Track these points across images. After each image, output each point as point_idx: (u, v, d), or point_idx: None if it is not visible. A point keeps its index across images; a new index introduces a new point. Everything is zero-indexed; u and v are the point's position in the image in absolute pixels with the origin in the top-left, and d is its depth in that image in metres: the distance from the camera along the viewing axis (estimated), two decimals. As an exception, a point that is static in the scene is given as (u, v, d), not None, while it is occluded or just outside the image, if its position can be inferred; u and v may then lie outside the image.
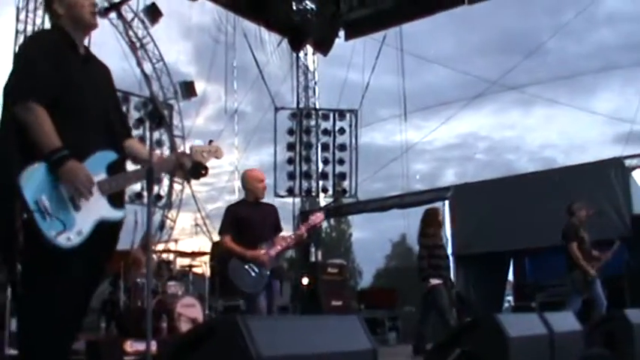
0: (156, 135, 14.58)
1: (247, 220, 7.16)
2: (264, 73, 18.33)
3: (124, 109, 15.03)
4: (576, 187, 13.44)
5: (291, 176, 18.03)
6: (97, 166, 3.62)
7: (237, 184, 19.13)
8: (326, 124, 18.34)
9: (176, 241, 13.59)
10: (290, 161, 18.08)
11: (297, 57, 19.97)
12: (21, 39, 13.67)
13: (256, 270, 6.96)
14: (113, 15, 3.91)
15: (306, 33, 19.01)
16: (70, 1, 3.75)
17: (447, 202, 17.02)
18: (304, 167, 18.18)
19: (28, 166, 3.38)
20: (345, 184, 18.27)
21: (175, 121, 16.78)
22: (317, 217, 7.62)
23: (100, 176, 3.62)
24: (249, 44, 17.98)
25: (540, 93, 18.00)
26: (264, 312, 6.97)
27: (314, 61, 20.56)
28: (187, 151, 4.06)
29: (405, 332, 15.50)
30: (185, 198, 16.65)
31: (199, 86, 17.68)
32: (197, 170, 4.07)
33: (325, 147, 18.24)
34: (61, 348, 3.59)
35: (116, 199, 3.71)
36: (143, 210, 11.22)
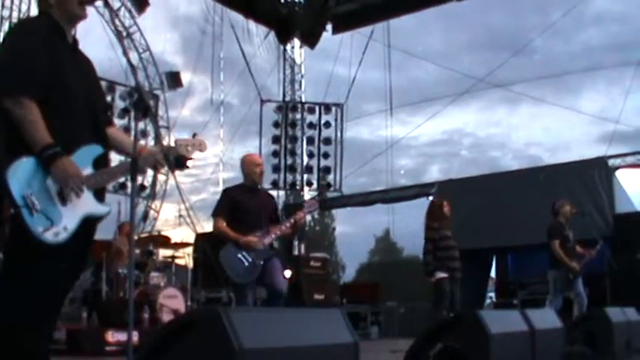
0: (141, 125, 14.58)
1: (243, 205, 7.01)
2: (250, 66, 18.34)
3: (110, 98, 15.01)
4: (560, 186, 13.52)
5: (275, 169, 18.05)
6: (83, 160, 3.59)
7: (222, 175, 19.23)
8: (312, 118, 18.37)
9: (159, 232, 13.55)
10: (275, 154, 18.09)
11: (284, 50, 19.96)
12: (6, 25, 13.59)
13: (249, 259, 6.77)
14: (100, 3, 3.87)
15: (294, 26, 18.99)
16: None
17: (431, 198, 17.07)
18: (289, 160, 18.19)
19: (15, 161, 3.35)
20: (330, 177, 18.29)
21: (161, 112, 16.75)
22: (312, 205, 7.62)
23: (87, 171, 3.60)
24: (237, 36, 17.98)
25: (526, 91, 18.09)
26: (250, 305, 6.87)
27: (301, 55, 20.57)
28: (172, 144, 4.04)
29: (386, 327, 15.55)
30: (169, 189, 16.66)
31: (185, 77, 17.66)
32: (180, 163, 4.06)
33: (310, 140, 18.27)
34: (41, 337, 3.57)
35: (100, 194, 3.71)
36: (126, 200, 11.20)
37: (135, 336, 7.96)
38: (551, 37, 18.16)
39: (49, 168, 3.39)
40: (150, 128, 15.54)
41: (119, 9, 15.68)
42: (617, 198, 14.46)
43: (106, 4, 3.93)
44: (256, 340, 2.86)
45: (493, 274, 17.83)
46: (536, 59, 19.13)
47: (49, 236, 3.36)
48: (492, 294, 17.97)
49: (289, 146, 18.28)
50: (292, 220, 7.13)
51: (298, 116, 18.51)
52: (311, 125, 18.34)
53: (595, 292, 11.50)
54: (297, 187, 18.57)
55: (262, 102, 18.14)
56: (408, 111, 19.89)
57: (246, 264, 6.77)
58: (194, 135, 4.20)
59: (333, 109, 18.34)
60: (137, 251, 11.08)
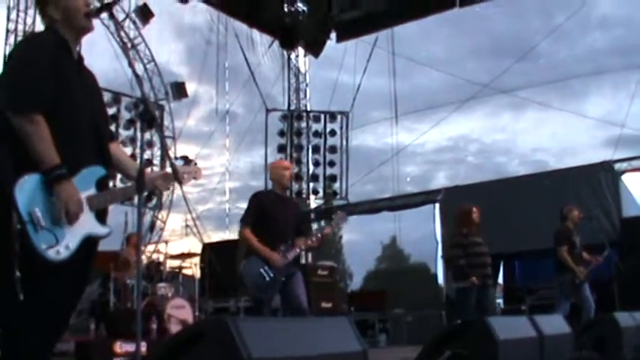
0: (147, 136, 14.59)
1: (271, 214, 6.85)
2: (255, 75, 18.32)
3: (115, 109, 15.04)
4: (566, 191, 13.51)
5: (281, 178, 18.00)
6: (87, 181, 3.61)
7: (228, 185, 19.22)
8: (317, 126, 18.34)
9: (166, 242, 13.55)
10: (281, 163, 18.05)
11: (289, 58, 19.97)
12: (12, 39, 13.62)
13: (271, 275, 6.60)
14: (105, 15, 3.88)
15: (298, 34, 19.02)
16: (66, 4, 3.70)
17: (437, 205, 17.07)
18: (295, 169, 18.16)
19: (21, 177, 3.36)
20: (336, 186, 18.27)
21: (166, 122, 16.73)
22: (342, 218, 7.38)
23: (90, 192, 3.62)
24: (241, 45, 17.99)
25: (532, 96, 18.03)
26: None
27: (305, 63, 20.57)
28: (169, 171, 4.03)
29: (394, 334, 15.51)
30: (175, 199, 16.60)
31: (190, 87, 17.65)
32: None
33: (316, 149, 18.25)
34: (42, 354, 3.59)
35: (101, 215, 3.72)
36: (133, 211, 11.19)
37: (143, 347, 7.96)
38: (556, 41, 18.09)
39: (52, 188, 3.41)
40: (155, 139, 15.54)
41: (124, 20, 15.72)
42: (624, 202, 14.44)
43: (111, 15, 3.93)
44: (265, 349, 2.86)
45: (500, 280, 17.80)
46: (541, 64, 19.06)
47: (52, 254, 3.37)
48: (500, 300, 17.93)
49: (295, 155, 18.27)
50: (319, 235, 7.01)
51: (304, 125, 18.50)
52: (316, 134, 18.31)
53: (603, 297, 11.48)
54: (304, 196, 18.55)
55: (267, 111, 18.14)
56: (414, 118, 19.84)
57: (267, 279, 6.60)
58: (191, 161, 4.23)
59: (339, 117, 18.33)
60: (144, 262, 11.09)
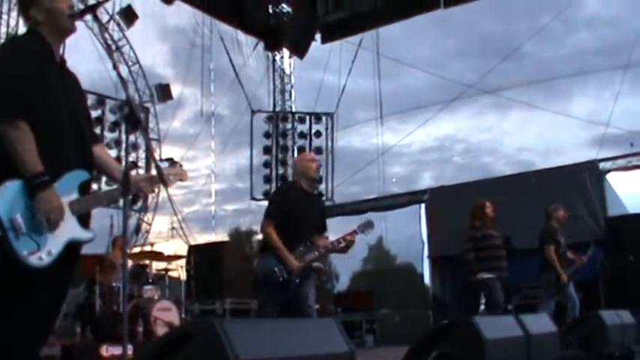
0: (131, 138, 14.55)
1: (295, 212, 6.53)
2: (240, 76, 18.32)
3: (100, 111, 14.98)
4: (552, 190, 13.54)
5: (267, 179, 18.02)
6: (69, 185, 3.60)
7: (214, 187, 19.19)
8: (302, 127, 18.36)
9: (152, 244, 13.51)
10: (266, 164, 18.08)
11: (274, 60, 19.97)
12: (-5, 41, 13.55)
13: (285, 275, 6.32)
14: (88, 17, 3.86)
15: (283, 36, 19.01)
16: (50, 6, 3.68)
17: (423, 205, 17.09)
18: (280, 170, 18.17)
19: (2, 183, 3.36)
20: (322, 187, 18.26)
21: (151, 124, 16.70)
22: (367, 225, 6.82)
23: (73, 196, 3.61)
24: (226, 47, 17.98)
25: (517, 96, 18.10)
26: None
27: (290, 64, 20.56)
28: (154, 173, 4.00)
29: (382, 335, 15.53)
30: (161, 201, 16.58)
31: (176, 89, 17.64)
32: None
33: (302, 150, 18.24)
34: (28, 358, 3.57)
35: (85, 220, 3.71)
36: (119, 213, 11.16)
37: (130, 350, 7.94)
38: (541, 41, 18.16)
39: (34, 195, 3.40)
40: (140, 141, 15.51)
41: (108, 22, 15.67)
42: (609, 201, 14.50)
43: (95, 17, 3.92)
44: (252, 350, 2.85)
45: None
46: (526, 64, 19.15)
47: (34, 260, 3.36)
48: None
49: (280, 156, 18.27)
50: (342, 242, 6.61)
51: (289, 126, 18.51)
52: (302, 135, 18.32)
53: (589, 295, 11.52)
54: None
55: (253, 112, 18.14)
56: (399, 119, 19.88)
57: (281, 279, 6.33)
58: (176, 164, 4.21)
59: (324, 118, 18.34)
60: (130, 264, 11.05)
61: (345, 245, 6.62)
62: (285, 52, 20.13)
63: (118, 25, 16.03)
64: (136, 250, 13.91)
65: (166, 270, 12.26)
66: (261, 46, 19.11)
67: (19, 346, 3.45)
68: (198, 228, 20.79)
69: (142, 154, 16.06)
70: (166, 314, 10.14)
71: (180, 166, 4.27)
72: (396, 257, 36.99)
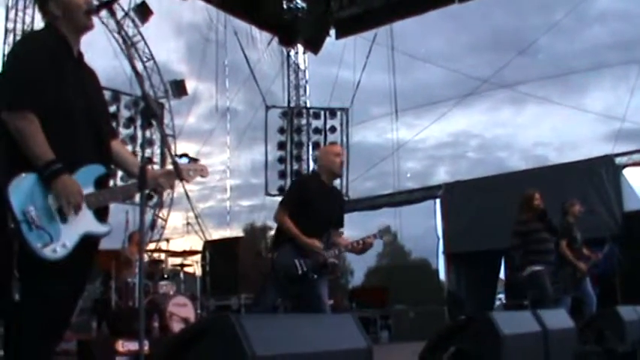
0: (147, 134, 14.57)
1: (313, 205, 6.32)
2: (255, 72, 18.33)
3: (115, 107, 15.01)
4: (567, 185, 13.48)
5: (282, 175, 18.01)
6: (85, 179, 3.59)
7: (229, 182, 19.20)
8: (317, 123, 18.32)
9: (167, 240, 13.54)
10: (281, 160, 18.06)
11: (288, 55, 19.96)
12: (11, 38, 13.61)
13: (304, 269, 6.15)
14: (104, 13, 3.86)
15: (297, 31, 19.02)
16: (67, 1, 3.69)
17: (438, 201, 17.06)
18: (295, 166, 18.15)
19: (16, 176, 3.36)
20: (336, 182, 18.22)
21: (166, 120, 16.72)
22: (386, 229, 6.89)
23: (88, 190, 3.60)
24: (240, 43, 17.98)
25: (532, 91, 18.01)
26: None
27: (305, 60, 20.55)
28: (172, 168, 3.96)
29: (396, 330, 15.49)
30: (176, 197, 16.60)
31: (191, 85, 17.65)
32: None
33: (316, 146, 18.21)
34: (44, 353, 3.58)
35: (101, 214, 3.70)
36: (134, 209, 11.18)
37: (145, 345, 7.96)
38: (555, 36, 18.06)
39: (49, 184, 3.40)
40: (156, 137, 15.53)
41: (123, 18, 15.70)
42: (625, 196, 14.42)
43: (111, 13, 3.89)
44: (269, 346, 2.85)
45: (502, 275, 17.80)
46: (541, 59, 19.03)
47: (48, 252, 3.36)
48: (502, 295, 17.93)
49: (295, 152, 18.25)
50: (362, 243, 6.51)
51: (304, 122, 18.48)
52: (316, 130, 18.30)
53: (605, 291, 11.46)
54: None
55: (267, 108, 18.13)
56: (414, 114, 19.83)
57: (300, 272, 6.15)
58: (196, 160, 4.19)
59: (339, 113, 18.30)
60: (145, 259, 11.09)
61: (362, 247, 6.53)
62: (300, 47, 20.13)
63: (133, 21, 16.05)
64: (152, 245, 13.93)
65: (182, 265, 12.29)
66: (275, 41, 19.12)
67: (36, 340, 3.45)
68: (214, 224, 20.82)
69: (157, 150, 16.10)
70: (182, 310, 10.16)
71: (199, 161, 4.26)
72: (410, 253, 36.96)
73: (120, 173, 9.85)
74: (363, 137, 21.97)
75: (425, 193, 17.88)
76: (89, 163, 3.64)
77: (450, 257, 16.59)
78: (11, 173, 3.36)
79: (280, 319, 3.71)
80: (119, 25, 15.08)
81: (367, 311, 15.62)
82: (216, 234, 18.61)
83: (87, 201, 3.57)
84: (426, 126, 19.77)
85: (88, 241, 3.60)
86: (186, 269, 12.48)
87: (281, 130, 18.19)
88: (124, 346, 8.65)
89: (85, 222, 3.56)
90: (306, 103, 20.06)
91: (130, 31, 16.18)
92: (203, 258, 13.30)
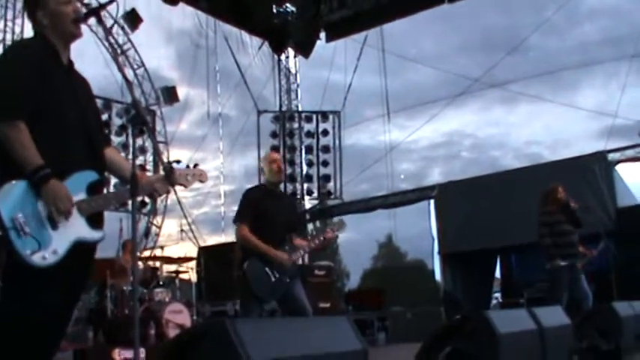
0: (139, 141, 14.55)
1: (267, 214, 6.44)
2: (246, 77, 18.34)
3: (106, 116, 14.98)
4: (561, 183, 13.49)
5: (275, 179, 17.96)
6: (77, 185, 3.58)
7: (223, 188, 19.18)
8: (309, 127, 18.35)
9: (162, 247, 13.52)
10: (274, 164, 18.00)
11: (279, 60, 19.98)
12: (0, 48, 13.58)
13: (277, 275, 6.27)
14: (93, 21, 3.85)
15: (287, 35, 19.04)
16: (55, 10, 3.69)
17: (432, 201, 17.06)
18: (288, 170, 18.13)
19: (6, 183, 3.36)
20: (330, 185, 18.25)
21: (158, 127, 16.69)
22: (339, 225, 6.96)
23: (80, 196, 3.58)
24: (231, 48, 17.98)
25: (524, 90, 18.04)
26: None
27: (296, 64, 20.58)
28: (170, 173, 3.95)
29: (393, 332, 15.50)
30: (170, 204, 16.57)
31: (182, 91, 17.60)
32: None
33: (309, 149, 18.25)
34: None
35: (95, 220, 3.68)
36: (128, 217, 11.17)
37: (142, 353, 7.94)
38: (546, 34, 18.10)
39: (39, 190, 3.39)
40: (148, 144, 15.51)
41: (112, 26, 15.67)
42: (619, 192, 14.45)
43: (99, 21, 3.88)
44: (265, 350, 2.84)
45: (498, 274, 17.82)
46: (532, 57, 19.07)
47: (37, 259, 3.34)
48: (498, 294, 17.94)
49: (288, 156, 18.25)
50: (322, 239, 6.68)
51: (296, 125, 18.50)
52: (309, 134, 18.32)
53: (601, 287, 11.48)
54: (298, 197, 18.56)
55: (259, 113, 18.14)
56: (406, 115, 19.85)
57: (273, 279, 6.25)
58: (195, 165, 4.17)
59: (331, 116, 18.33)
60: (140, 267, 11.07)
61: (324, 243, 6.73)
62: (290, 51, 20.15)
63: (123, 28, 16.03)
64: (146, 253, 13.91)
65: (177, 272, 12.28)
66: (266, 46, 19.13)
67: (31, 350, 3.44)
68: (208, 230, 20.79)
69: (149, 158, 16.07)
70: (178, 316, 10.14)
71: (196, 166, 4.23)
72: (406, 254, 37.03)
73: (113, 181, 9.82)
74: (355, 140, 22.01)
75: (419, 194, 17.89)
76: (81, 170, 3.63)
77: (446, 257, 16.59)
78: (1, 181, 3.36)
79: (275, 323, 3.71)
80: (108, 33, 15.03)
81: (364, 313, 15.61)
82: (211, 240, 18.57)
83: (79, 207, 3.55)
84: (419, 127, 19.79)
85: (82, 248, 3.58)
86: (181, 276, 12.46)
87: (273, 135, 18.19)
88: (120, 354, 8.65)
89: (76, 228, 3.54)
90: (297, 106, 20.09)
91: (120, 38, 16.16)
92: (198, 264, 13.29)
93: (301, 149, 18.41)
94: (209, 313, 13.57)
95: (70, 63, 3.85)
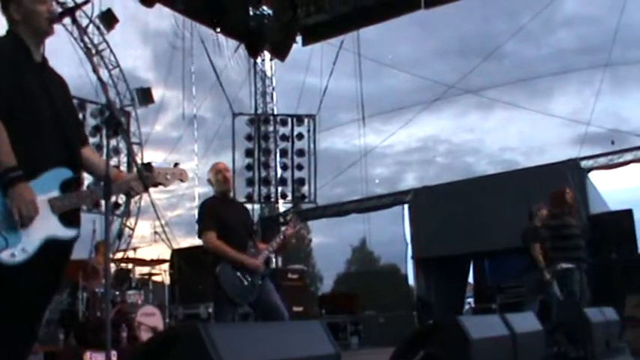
0: (113, 142, 14.47)
1: (226, 220, 6.53)
2: (221, 79, 18.30)
3: (81, 116, 14.88)
4: (534, 189, 13.57)
5: (250, 182, 17.97)
6: (50, 183, 3.55)
7: (198, 190, 19.09)
8: (284, 130, 18.31)
9: (135, 249, 13.45)
10: (249, 167, 18.02)
11: (255, 62, 19.96)
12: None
13: (249, 279, 6.35)
14: (68, 20, 3.82)
15: (264, 38, 19.03)
16: (27, 7, 3.65)
17: (406, 206, 17.11)
18: (263, 173, 18.13)
19: None
20: (304, 189, 18.25)
21: (133, 128, 16.61)
22: (295, 220, 7.22)
23: (52, 194, 3.54)
24: (207, 50, 17.93)
25: (499, 96, 18.14)
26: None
27: (271, 67, 20.58)
28: (149, 173, 3.93)
29: (366, 336, 15.52)
30: (144, 206, 16.49)
31: (157, 92, 17.54)
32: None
33: (284, 152, 18.22)
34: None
35: (70, 218, 3.64)
36: (101, 218, 11.10)
37: (114, 356, 7.89)
38: (521, 41, 18.23)
39: (6, 191, 3.36)
40: (122, 145, 15.42)
41: (87, 26, 15.57)
42: (591, 199, 14.58)
43: (74, 21, 3.84)
44: (237, 355, 2.83)
45: (471, 279, 17.91)
46: (507, 64, 19.21)
47: (5, 257, 3.31)
48: (471, 299, 18.04)
49: (263, 159, 18.23)
50: (282, 237, 6.82)
51: (271, 128, 18.48)
52: (284, 137, 18.28)
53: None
54: (272, 200, 18.54)
55: (234, 115, 18.09)
56: (382, 119, 19.88)
57: (246, 283, 6.34)
58: (175, 164, 4.13)
59: (306, 120, 18.32)
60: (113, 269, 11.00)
61: (286, 240, 6.88)
62: (266, 54, 20.14)
63: (98, 28, 15.94)
64: (119, 255, 13.82)
65: (150, 274, 12.22)
66: (242, 48, 19.10)
67: (2, 351, 3.40)
68: (182, 232, 20.74)
69: (123, 159, 15.97)
70: (150, 319, 10.09)
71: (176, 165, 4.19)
72: (380, 258, 37.14)
73: (87, 182, 9.75)
74: (330, 144, 22.03)
75: (393, 199, 17.94)
76: (55, 167, 3.59)
77: (419, 262, 16.65)
78: None
79: (248, 327, 3.70)
80: (83, 33, 14.94)
81: (337, 317, 15.63)
82: (185, 242, 18.49)
83: (51, 205, 3.52)
84: (394, 132, 19.85)
85: (55, 247, 3.54)
86: (154, 278, 12.41)
87: (248, 138, 18.14)
88: (91, 357, 8.60)
89: (47, 226, 3.50)
90: (273, 110, 20.09)
91: (96, 38, 16.05)
92: (171, 267, 13.23)
93: (276, 152, 18.39)
94: (182, 315, 13.51)
95: (44, 60, 3.82)
